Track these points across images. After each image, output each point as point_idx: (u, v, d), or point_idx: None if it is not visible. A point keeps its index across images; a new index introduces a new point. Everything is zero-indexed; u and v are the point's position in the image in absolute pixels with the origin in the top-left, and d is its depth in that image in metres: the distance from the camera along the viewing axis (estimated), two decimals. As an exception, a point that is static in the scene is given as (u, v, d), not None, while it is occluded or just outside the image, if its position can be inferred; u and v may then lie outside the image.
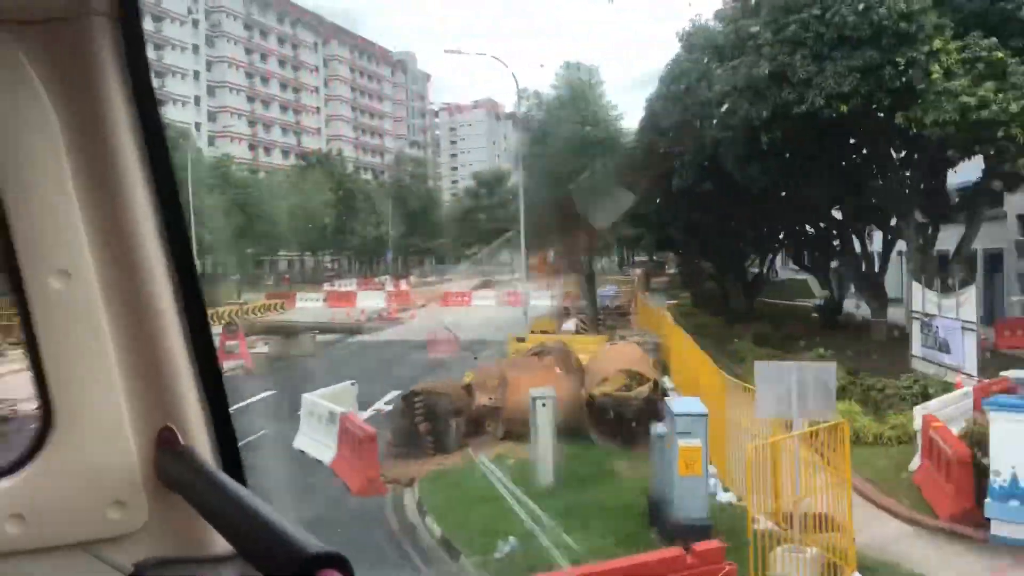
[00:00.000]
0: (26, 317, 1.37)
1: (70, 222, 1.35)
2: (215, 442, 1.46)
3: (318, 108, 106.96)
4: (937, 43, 18.94)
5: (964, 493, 11.74)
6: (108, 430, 1.40)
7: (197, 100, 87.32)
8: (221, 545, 1.43)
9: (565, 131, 31.10)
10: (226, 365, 27.92)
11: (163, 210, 1.39)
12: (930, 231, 24.71)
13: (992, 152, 19.37)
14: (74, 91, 1.33)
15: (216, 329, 26.87)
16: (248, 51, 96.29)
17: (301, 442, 16.68)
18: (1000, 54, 18.81)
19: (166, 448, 1.41)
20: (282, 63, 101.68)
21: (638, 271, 72.21)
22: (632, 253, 75.29)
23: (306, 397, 17.24)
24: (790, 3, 20.96)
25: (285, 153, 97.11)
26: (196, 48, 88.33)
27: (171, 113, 76.38)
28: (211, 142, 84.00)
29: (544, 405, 13.16)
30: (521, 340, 25.32)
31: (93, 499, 1.41)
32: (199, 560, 1.46)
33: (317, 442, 16.13)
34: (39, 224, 1.35)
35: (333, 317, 41.13)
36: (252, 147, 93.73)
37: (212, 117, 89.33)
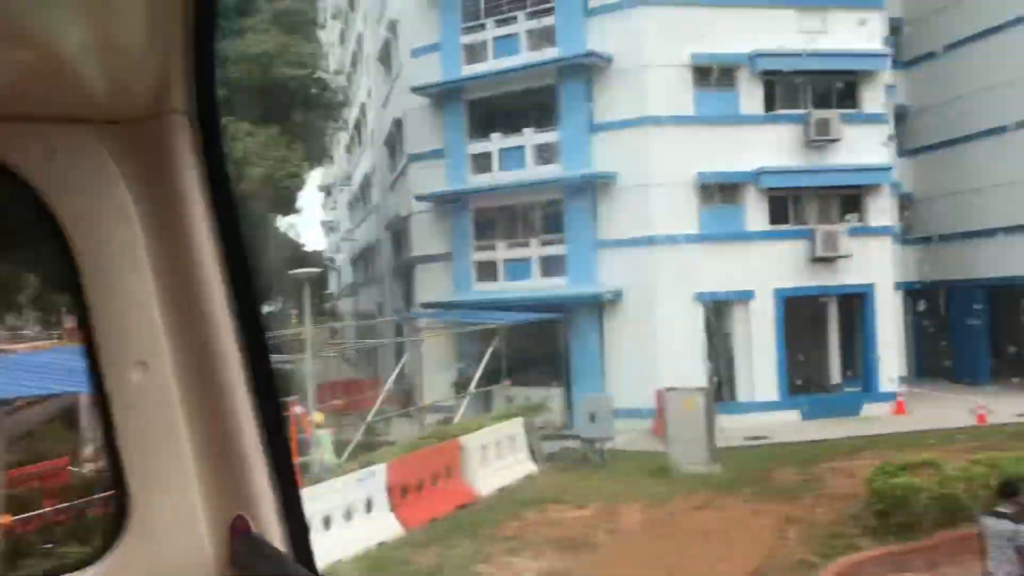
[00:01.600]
0: (104, 409, 1.36)
1: (149, 314, 1.36)
2: (287, 530, 1.41)
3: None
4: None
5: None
6: (183, 520, 1.38)
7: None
8: None
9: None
10: None
11: (237, 298, 1.38)
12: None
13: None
14: (154, 187, 1.35)
15: None
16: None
17: None
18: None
19: (239, 537, 1.38)
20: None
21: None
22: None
23: None
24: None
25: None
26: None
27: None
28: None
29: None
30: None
31: None
32: None
33: None
34: (119, 317, 1.35)
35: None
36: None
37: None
